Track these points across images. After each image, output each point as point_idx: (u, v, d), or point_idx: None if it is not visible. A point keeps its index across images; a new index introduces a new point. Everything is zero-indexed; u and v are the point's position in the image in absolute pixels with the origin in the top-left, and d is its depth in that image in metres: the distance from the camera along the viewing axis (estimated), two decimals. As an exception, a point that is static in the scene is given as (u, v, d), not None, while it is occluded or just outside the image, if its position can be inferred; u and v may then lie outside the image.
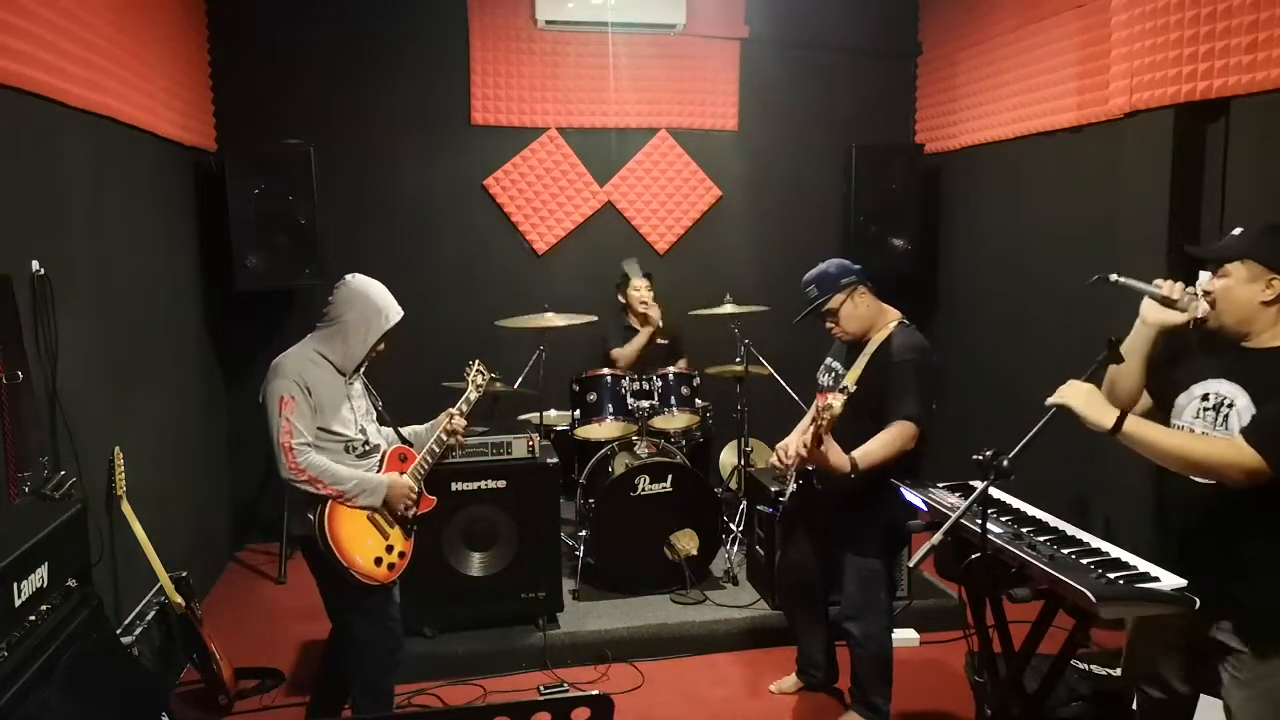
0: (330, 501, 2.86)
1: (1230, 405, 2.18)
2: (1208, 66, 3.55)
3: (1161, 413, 2.38)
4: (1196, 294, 2.28)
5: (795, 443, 3.29)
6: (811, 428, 3.05)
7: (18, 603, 2.18)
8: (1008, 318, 5.16)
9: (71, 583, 2.50)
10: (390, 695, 3.13)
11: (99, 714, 2.49)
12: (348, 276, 3.02)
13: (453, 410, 3.19)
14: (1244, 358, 2.21)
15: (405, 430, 3.22)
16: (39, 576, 2.28)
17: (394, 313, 2.99)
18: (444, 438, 3.13)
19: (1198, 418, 2.25)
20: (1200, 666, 2.35)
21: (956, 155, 5.65)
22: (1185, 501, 2.29)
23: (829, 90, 5.92)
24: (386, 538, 2.97)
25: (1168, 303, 2.30)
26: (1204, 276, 2.35)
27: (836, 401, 2.89)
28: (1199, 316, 2.26)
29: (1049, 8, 4.66)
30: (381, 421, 3.16)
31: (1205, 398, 2.24)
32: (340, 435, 2.92)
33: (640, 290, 5.21)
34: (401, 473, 3.04)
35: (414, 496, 3.05)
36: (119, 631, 3.35)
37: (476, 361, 3.35)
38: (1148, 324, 2.35)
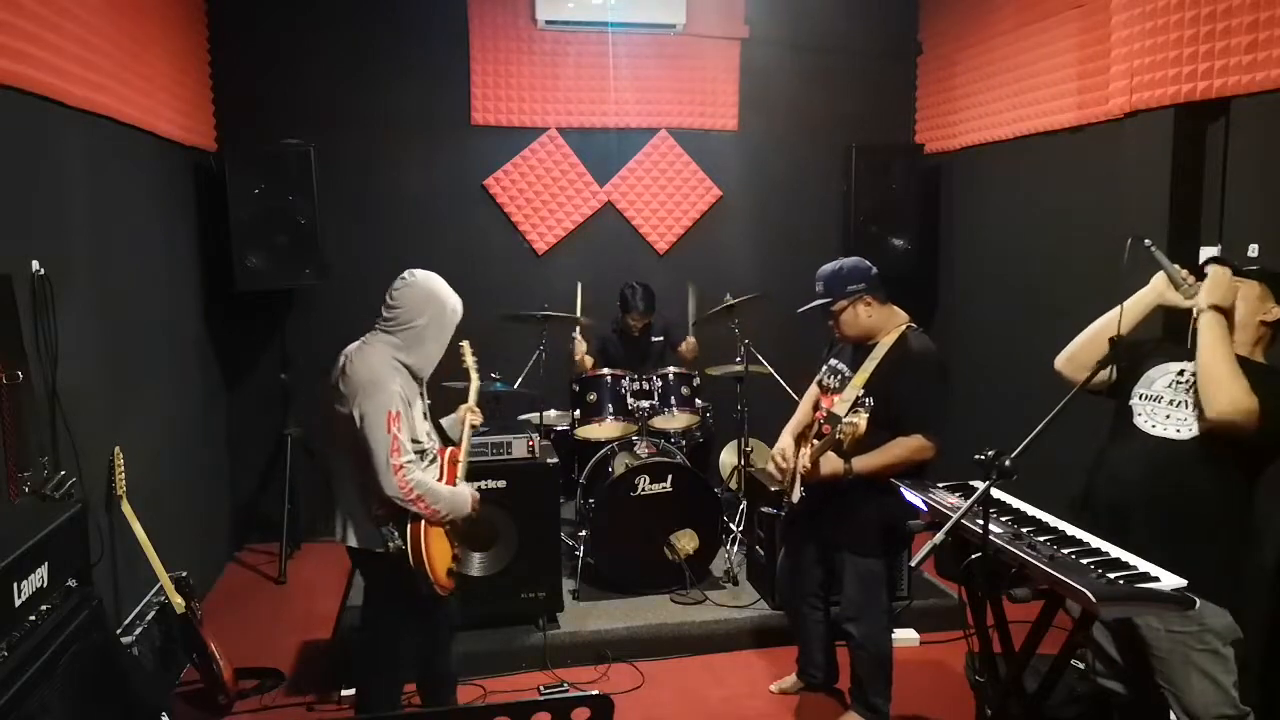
0: (419, 518, 2.79)
1: None
2: (1208, 66, 3.55)
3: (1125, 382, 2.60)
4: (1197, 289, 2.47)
5: (790, 447, 3.31)
6: (820, 443, 3.06)
7: (18, 603, 2.18)
8: (1007, 317, 5.16)
9: (71, 583, 2.50)
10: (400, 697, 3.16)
11: (99, 714, 2.49)
12: (408, 274, 2.88)
13: (470, 405, 3.20)
14: None
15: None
16: (39, 576, 2.28)
17: (459, 305, 2.91)
18: (471, 435, 3.16)
19: (1170, 387, 2.50)
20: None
21: (956, 155, 5.65)
22: (1141, 473, 2.46)
23: (829, 90, 5.92)
24: (454, 547, 2.97)
25: (1176, 284, 2.52)
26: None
27: (861, 420, 2.88)
28: (1196, 307, 2.44)
29: (1049, 8, 4.66)
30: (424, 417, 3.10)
31: (1181, 373, 2.49)
32: (417, 444, 2.83)
33: (635, 321, 5.14)
34: (454, 476, 3.00)
35: (478, 499, 3.04)
36: (119, 631, 3.35)
37: (465, 344, 3.31)
38: (1152, 293, 2.60)
